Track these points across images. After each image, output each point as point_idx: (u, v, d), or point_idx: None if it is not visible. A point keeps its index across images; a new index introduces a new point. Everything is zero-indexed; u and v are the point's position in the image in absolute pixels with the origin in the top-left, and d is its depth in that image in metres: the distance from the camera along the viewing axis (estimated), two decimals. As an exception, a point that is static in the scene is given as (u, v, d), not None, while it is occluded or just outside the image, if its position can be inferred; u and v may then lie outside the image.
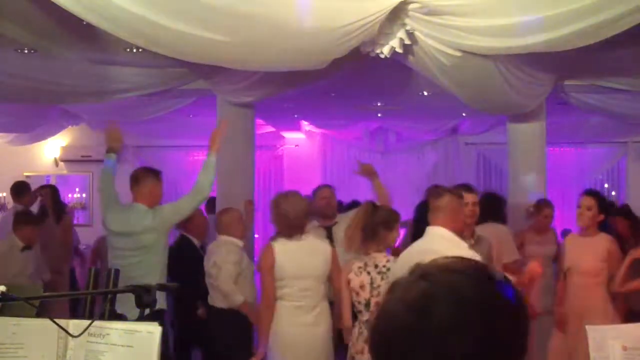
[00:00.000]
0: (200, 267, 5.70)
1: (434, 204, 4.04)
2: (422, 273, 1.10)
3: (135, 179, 4.98)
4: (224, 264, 5.36)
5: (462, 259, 1.14)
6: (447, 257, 1.14)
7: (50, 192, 7.85)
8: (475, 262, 1.14)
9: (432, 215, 4.03)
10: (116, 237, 4.89)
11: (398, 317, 1.06)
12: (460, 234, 4.05)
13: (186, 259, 6.00)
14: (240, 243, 5.59)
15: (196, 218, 6.38)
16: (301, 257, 4.59)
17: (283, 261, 4.57)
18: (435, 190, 4.45)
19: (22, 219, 6.24)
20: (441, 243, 3.82)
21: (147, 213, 4.84)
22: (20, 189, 7.77)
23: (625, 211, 6.67)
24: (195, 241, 6.37)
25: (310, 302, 4.58)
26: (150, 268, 4.68)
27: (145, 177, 5.01)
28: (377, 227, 4.61)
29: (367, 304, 4.51)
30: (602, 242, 5.30)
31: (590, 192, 5.43)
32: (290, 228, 4.63)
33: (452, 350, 1.02)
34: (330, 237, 5.47)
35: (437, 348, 1.02)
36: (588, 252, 5.25)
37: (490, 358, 1.03)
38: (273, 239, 4.78)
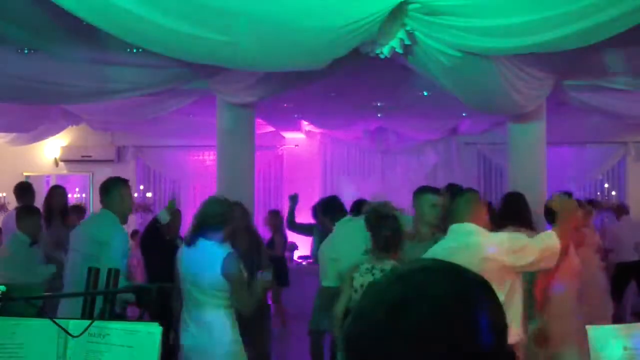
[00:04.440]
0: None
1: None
2: (397, 275, 1.10)
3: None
4: None
5: (436, 260, 1.15)
6: (422, 259, 1.15)
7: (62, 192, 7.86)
8: (449, 263, 1.14)
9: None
10: None
11: (373, 321, 1.06)
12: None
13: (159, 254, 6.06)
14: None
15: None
16: (191, 263, 4.41)
17: (179, 264, 4.49)
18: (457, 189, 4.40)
19: (24, 212, 6.17)
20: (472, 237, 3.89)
21: None
22: (23, 189, 7.77)
23: None
24: (167, 237, 6.38)
25: (197, 311, 4.35)
26: None
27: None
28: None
29: None
30: None
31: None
32: (190, 232, 4.54)
33: (430, 352, 1.02)
34: None
35: (414, 350, 1.02)
36: None
37: (469, 358, 1.03)
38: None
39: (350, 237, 5.17)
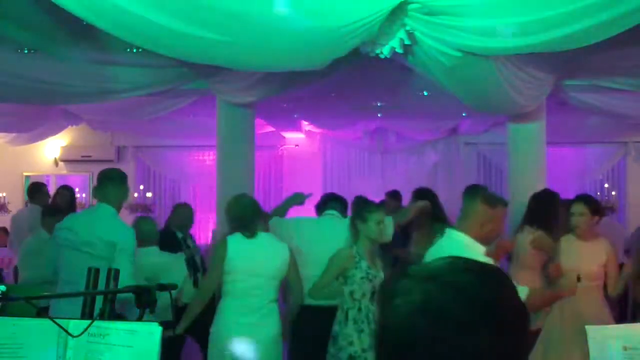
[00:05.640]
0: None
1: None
2: (427, 275, 1.09)
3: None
4: None
5: (464, 259, 1.15)
6: (448, 258, 1.14)
7: (69, 193, 7.93)
8: (478, 261, 1.14)
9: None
10: None
11: (408, 322, 1.05)
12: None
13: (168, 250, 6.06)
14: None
15: (179, 209, 6.42)
16: (254, 254, 4.55)
17: (235, 255, 4.55)
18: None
19: (49, 212, 6.35)
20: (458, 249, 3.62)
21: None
22: (36, 189, 7.87)
23: None
24: (179, 234, 6.35)
25: (257, 301, 4.50)
26: None
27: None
28: (354, 220, 4.71)
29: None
30: (601, 246, 5.33)
31: (581, 199, 5.42)
32: (243, 226, 4.63)
33: (469, 350, 1.02)
34: None
35: (453, 348, 1.02)
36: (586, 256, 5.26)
37: (504, 355, 1.04)
38: (229, 234, 4.75)
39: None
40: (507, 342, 1.06)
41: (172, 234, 6.31)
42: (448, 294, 1.05)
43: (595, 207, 5.33)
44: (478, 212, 3.72)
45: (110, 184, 4.57)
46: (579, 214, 5.22)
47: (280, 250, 4.63)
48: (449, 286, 1.06)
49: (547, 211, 5.73)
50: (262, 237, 4.62)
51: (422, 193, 5.80)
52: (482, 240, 3.71)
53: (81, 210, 5.04)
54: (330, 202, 5.91)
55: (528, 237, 5.62)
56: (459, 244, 3.68)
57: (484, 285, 1.08)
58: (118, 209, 4.60)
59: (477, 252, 3.56)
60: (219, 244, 4.71)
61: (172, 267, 4.98)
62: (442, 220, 5.65)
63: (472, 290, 1.06)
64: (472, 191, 4.04)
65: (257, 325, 4.46)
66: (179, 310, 5.09)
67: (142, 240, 5.17)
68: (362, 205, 4.82)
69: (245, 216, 4.61)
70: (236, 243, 4.59)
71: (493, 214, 3.74)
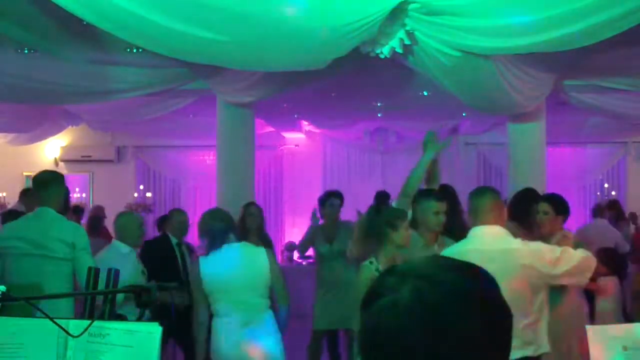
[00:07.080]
0: (175, 264, 5.94)
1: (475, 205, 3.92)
2: (415, 273, 1.09)
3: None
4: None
5: (441, 257, 1.15)
6: (431, 256, 1.14)
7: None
8: (459, 260, 1.14)
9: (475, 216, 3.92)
10: None
11: (399, 322, 1.04)
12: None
13: (162, 257, 6.01)
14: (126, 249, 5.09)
15: (175, 215, 6.38)
16: (226, 268, 4.29)
17: (208, 274, 4.31)
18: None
19: (10, 217, 6.22)
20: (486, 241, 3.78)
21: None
22: (25, 195, 7.79)
23: None
24: (173, 239, 6.33)
25: (244, 315, 4.25)
26: None
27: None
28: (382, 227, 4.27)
29: None
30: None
31: (546, 198, 5.42)
32: (211, 241, 4.39)
33: (466, 348, 1.02)
34: None
35: (451, 348, 1.02)
36: None
37: (490, 347, 1.05)
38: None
39: None
40: (498, 338, 1.06)
41: (166, 239, 6.28)
42: (439, 292, 1.04)
43: (561, 207, 5.32)
44: (493, 203, 3.90)
45: (52, 186, 4.44)
46: (544, 213, 5.24)
47: (255, 256, 4.36)
48: (439, 284, 1.05)
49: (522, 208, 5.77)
50: (233, 248, 4.34)
51: (442, 189, 5.75)
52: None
53: (20, 218, 4.76)
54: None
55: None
56: (503, 233, 3.83)
57: (474, 283, 1.07)
58: (59, 210, 4.46)
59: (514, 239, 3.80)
60: (194, 264, 4.50)
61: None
62: (461, 214, 5.52)
63: (462, 287, 1.06)
64: (479, 190, 4.16)
65: (249, 341, 4.24)
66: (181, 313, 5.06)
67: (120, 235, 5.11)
68: (391, 212, 4.40)
69: (213, 229, 4.36)
70: (207, 262, 4.35)
71: (501, 202, 4.01)
